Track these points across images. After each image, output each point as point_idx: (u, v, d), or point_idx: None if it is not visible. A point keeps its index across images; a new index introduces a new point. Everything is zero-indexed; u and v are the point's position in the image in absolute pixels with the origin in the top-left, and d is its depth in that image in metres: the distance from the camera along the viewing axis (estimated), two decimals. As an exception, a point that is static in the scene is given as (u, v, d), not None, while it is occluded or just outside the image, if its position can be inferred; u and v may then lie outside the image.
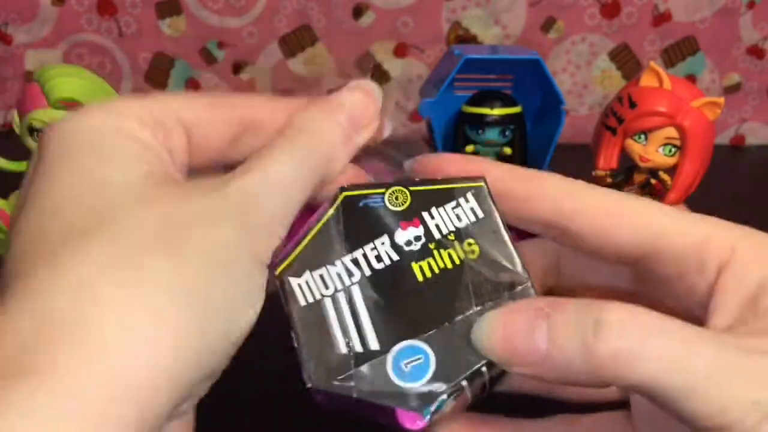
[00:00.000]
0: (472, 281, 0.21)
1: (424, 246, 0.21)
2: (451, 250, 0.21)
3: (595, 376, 0.17)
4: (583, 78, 0.77)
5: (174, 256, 0.17)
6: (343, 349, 0.20)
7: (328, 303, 0.20)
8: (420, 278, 0.21)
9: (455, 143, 0.48)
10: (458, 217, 0.21)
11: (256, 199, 0.19)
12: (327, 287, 0.20)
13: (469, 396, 0.20)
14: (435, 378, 0.20)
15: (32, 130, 0.40)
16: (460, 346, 0.20)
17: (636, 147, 0.44)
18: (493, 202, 0.22)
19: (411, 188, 0.22)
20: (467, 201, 0.22)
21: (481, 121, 0.46)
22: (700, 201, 0.44)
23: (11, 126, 0.42)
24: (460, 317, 0.20)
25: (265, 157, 0.20)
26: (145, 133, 0.19)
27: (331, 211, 0.21)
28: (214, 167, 0.22)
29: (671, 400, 0.17)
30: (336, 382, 0.20)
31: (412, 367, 0.20)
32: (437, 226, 0.21)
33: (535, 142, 0.49)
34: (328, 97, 0.22)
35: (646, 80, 0.44)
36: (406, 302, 0.21)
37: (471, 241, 0.21)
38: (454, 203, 0.22)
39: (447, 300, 0.21)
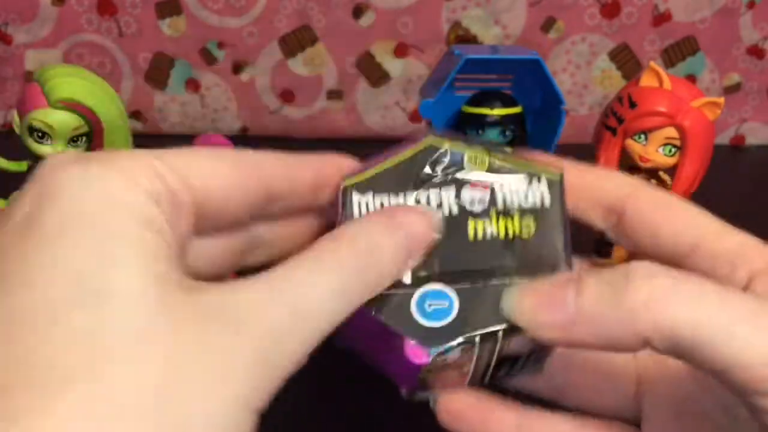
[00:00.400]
0: (519, 255, 0.21)
1: (486, 209, 0.22)
2: (509, 222, 0.22)
3: (628, 326, 0.17)
4: (583, 78, 0.77)
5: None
6: None
7: None
8: (471, 237, 0.22)
9: (455, 143, 0.48)
10: (526, 197, 0.22)
11: (278, 344, 0.16)
12: None
13: (475, 357, 0.21)
14: (452, 326, 0.20)
15: (32, 130, 0.40)
16: (487, 307, 0.21)
17: (636, 147, 0.44)
18: (563, 195, 0.22)
19: (492, 156, 0.22)
20: (540, 186, 0.22)
21: (481, 122, 0.46)
22: (700, 201, 0.44)
23: (11, 126, 0.42)
24: (496, 282, 0.21)
25: (299, 281, 0.17)
26: (146, 200, 0.16)
27: (412, 151, 0.22)
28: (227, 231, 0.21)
29: (707, 345, 0.16)
30: None
31: (434, 309, 0.20)
32: (504, 197, 0.22)
33: (535, 142, 0.49)
34: (383, 214, 0.21)
35: (646, 80, 0.44)
36: (450, 252, 0.21)
37: (531, 221, 0.22)
38: (527, 183, 0.22)
39: (490, 264, 0.21)
